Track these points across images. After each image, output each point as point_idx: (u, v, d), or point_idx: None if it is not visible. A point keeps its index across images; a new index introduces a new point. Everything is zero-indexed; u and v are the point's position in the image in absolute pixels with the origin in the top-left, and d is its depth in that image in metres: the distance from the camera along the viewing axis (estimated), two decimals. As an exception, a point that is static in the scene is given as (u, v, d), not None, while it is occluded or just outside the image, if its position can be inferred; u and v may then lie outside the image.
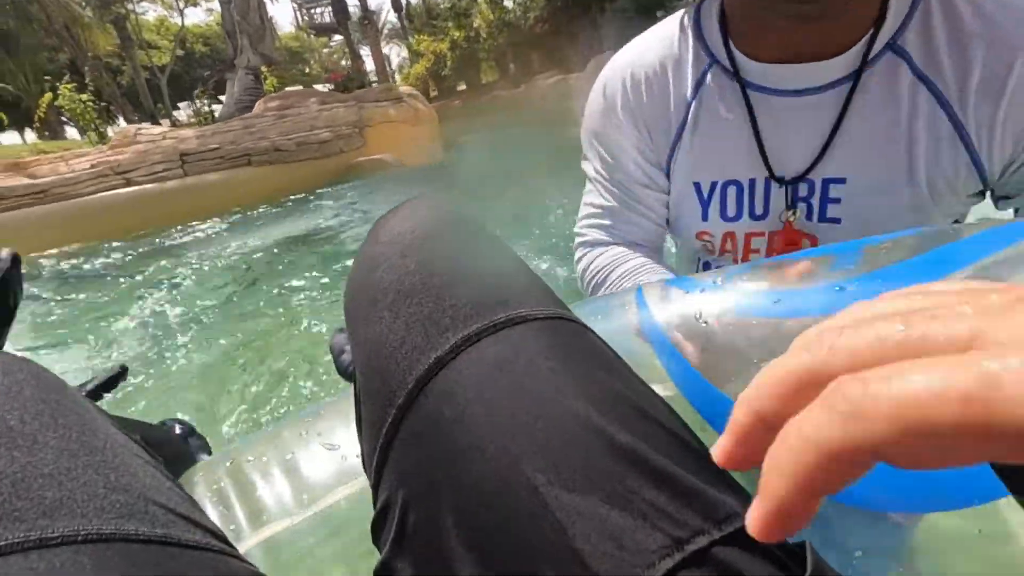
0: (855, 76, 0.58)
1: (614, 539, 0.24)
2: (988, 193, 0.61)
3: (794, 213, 0.66)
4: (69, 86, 8.42)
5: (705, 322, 0.43)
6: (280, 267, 2.40)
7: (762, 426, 0.15)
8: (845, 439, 0.12)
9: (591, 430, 0.27)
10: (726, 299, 0.43)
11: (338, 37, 25.17)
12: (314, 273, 2.06)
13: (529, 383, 0.29)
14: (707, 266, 0.77)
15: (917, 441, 0.11)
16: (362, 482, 0.51)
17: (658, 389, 0.38)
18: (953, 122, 0.56)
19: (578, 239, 0.81)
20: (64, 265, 3.80)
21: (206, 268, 2.29)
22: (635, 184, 0.73)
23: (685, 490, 0.25)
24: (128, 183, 5.33)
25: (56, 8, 14.11)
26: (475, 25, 17.84)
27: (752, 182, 0.66)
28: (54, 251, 4.37)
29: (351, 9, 19.94)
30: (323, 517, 0.51)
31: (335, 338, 1.08)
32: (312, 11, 24.79)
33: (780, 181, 0.65)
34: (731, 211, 0.69)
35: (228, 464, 0.56)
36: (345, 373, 1.03)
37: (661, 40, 0.70)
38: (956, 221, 0.65)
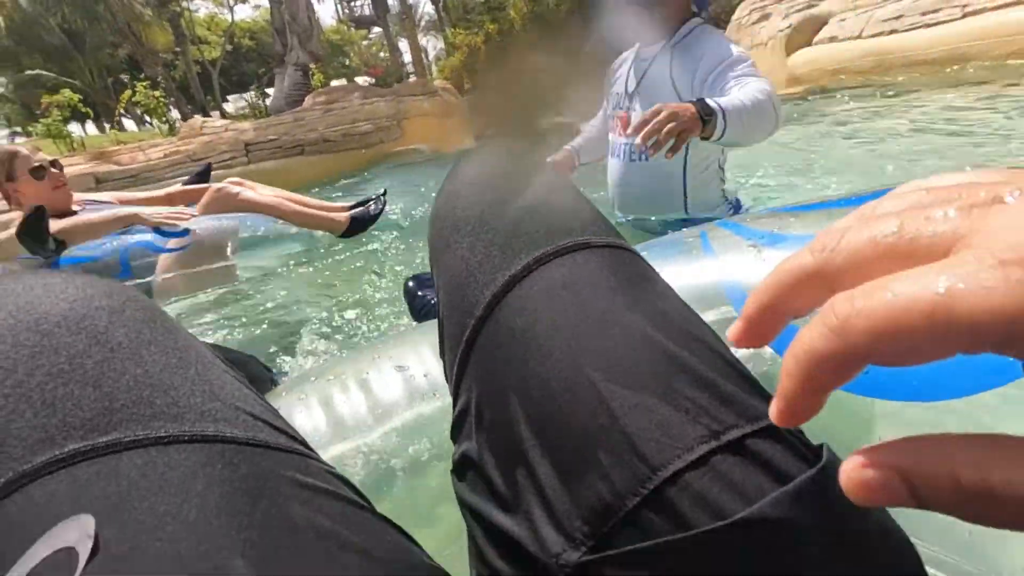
0: (655, 57, 1.48)
1: (661, 427, 0.27)
2: None
3: (630, 104, 1.55)
4: (144, 83, 9.34)
5: (762, 258, 0.51)
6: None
7: (768, 315, 0.18)
8: (833, 349, 0.14)
9: (644, 339, 0.30)
10: (778, 239, 0.51)
11: (377, 29, 25.81)
12: (373, 232, 2.48)
13: (590, 299, 0.32)
14: (617, 146, 1.63)
15: (893, 347, 0.13)
16: (428, 399, 0.56)
17: (716, 314, 0.47)
18: (672, 77, 1.44)
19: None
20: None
21: (274, 237, 2.76)
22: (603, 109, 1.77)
23: (723, 394, 0.28)
24: (201, 169, 6.17)
25: (120, 7, 15.03)
26: (509, 17, 18.24)
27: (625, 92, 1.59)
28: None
29: (390, 2, 20.61)
30: (394, 428, 0.54)
31: (408, 285, 1.27)
32: (352, 4, 25.54)
33: (626, 92, 1.57)
34: (617, 105, 1.61)
35: (313, 380, 0.61)
36: (417, 315, 1.21)
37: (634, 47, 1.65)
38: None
